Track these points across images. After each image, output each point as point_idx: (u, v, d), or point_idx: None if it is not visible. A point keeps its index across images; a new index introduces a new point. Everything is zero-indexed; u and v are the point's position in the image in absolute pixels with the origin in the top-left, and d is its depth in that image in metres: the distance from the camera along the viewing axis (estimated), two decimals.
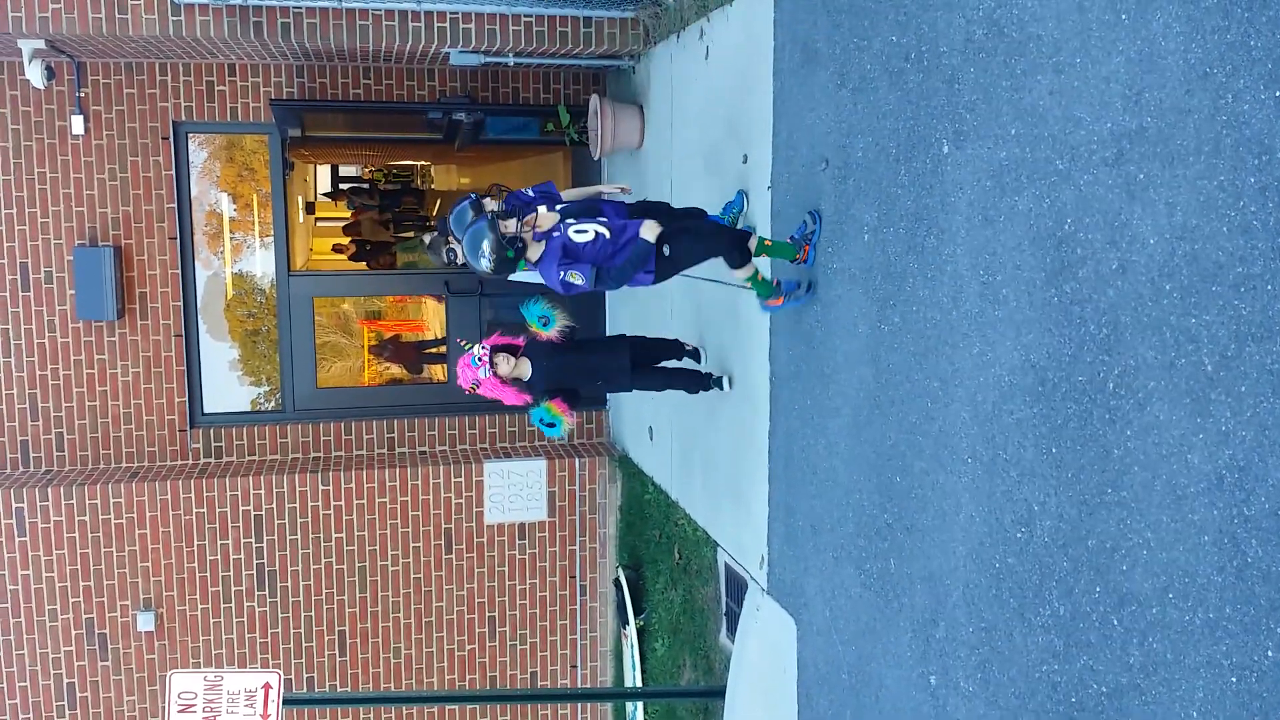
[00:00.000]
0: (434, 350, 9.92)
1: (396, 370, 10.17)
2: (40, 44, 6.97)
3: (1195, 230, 2.81)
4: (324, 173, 14.04)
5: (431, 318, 9.95)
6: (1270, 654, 2.63)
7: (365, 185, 13.24)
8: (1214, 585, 2.79)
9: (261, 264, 8.73)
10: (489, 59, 7.57)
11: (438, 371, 9.67)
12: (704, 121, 6.50)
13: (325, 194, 13.72)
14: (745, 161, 5.76)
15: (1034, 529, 3.48)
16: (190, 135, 8.33)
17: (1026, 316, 3.48)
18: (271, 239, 8.61)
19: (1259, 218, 2.62)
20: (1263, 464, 2.63)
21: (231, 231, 8.65)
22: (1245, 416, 2.68)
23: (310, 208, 12.95)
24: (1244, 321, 2.67)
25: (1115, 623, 3.14)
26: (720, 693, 6.14)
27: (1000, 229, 3.59)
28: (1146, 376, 2.99)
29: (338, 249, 12.18)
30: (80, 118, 7.90)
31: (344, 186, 13.60)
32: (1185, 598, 2.88)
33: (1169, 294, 2.90)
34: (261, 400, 8.89)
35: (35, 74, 7.15)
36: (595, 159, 8.05)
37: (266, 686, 6.11)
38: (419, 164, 13.61)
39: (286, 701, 6.02)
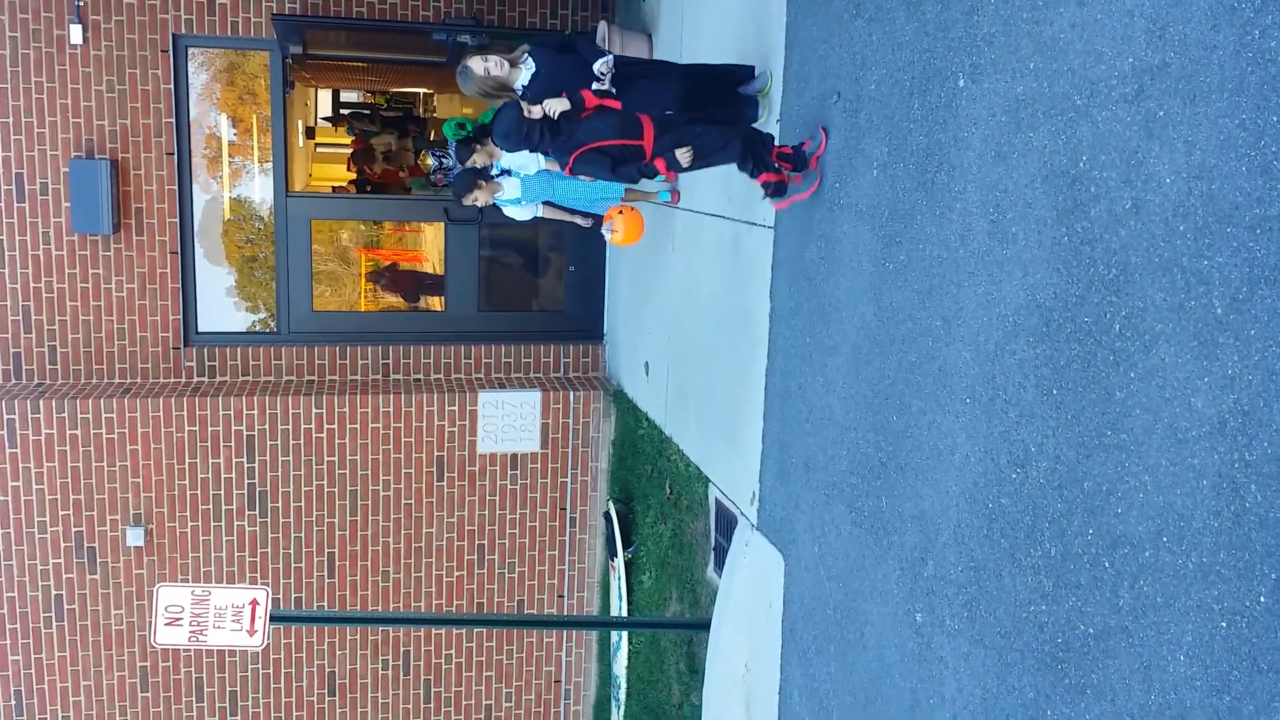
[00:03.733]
0: (431, 281, 9.85)
1: (392, 299, 10.11)
2: None
3: (1213, 170, 2.75)
4: (325, 98, 13.86)
5: (430, 248, 9.88)
6: (1263, 599, 2.62)
7: (366, 111, 13.07)
8: (1209, 530, 2.77)
9: (260, 190, 8.63)
10: None
11: (434, 302, 9.62)
12: (714, 51, 6.38)
13: (325, 118, 13.55)
14: (761, 91, 5.66)
15: (1029, 470, 3.47)
16: (190, 52, 8.18)
17: (1035, 255, 3.43)
18: (270, 165, 8.50)
19: None
20: (1268, 409, 2.60)
21: (231, 155, 8.54)
22: (1253, 360, 2.65)
23: (310, 133, 12.80)
24: (1257, 264, 2.63)
25: (1106, 565, 3.14)
26: (705, 625, 6.18)
27: (1013, 165, 3.53)
28: (1154, 319, 2.95)
29: (337, 190, 12.00)
30: (79, 27, 7.75)
31: (345, 112, 13.43)
32: (1179, 541, 2.87)
33: (1182, 234, 2.85)
34: (257, 327, 8.84)
35: None
36: None
37: (254, 603, 6.13)
38: (421, 91, 13.43)
39: (273, 619, 6.05)
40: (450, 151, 8.11)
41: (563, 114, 5.01)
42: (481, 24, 8.01)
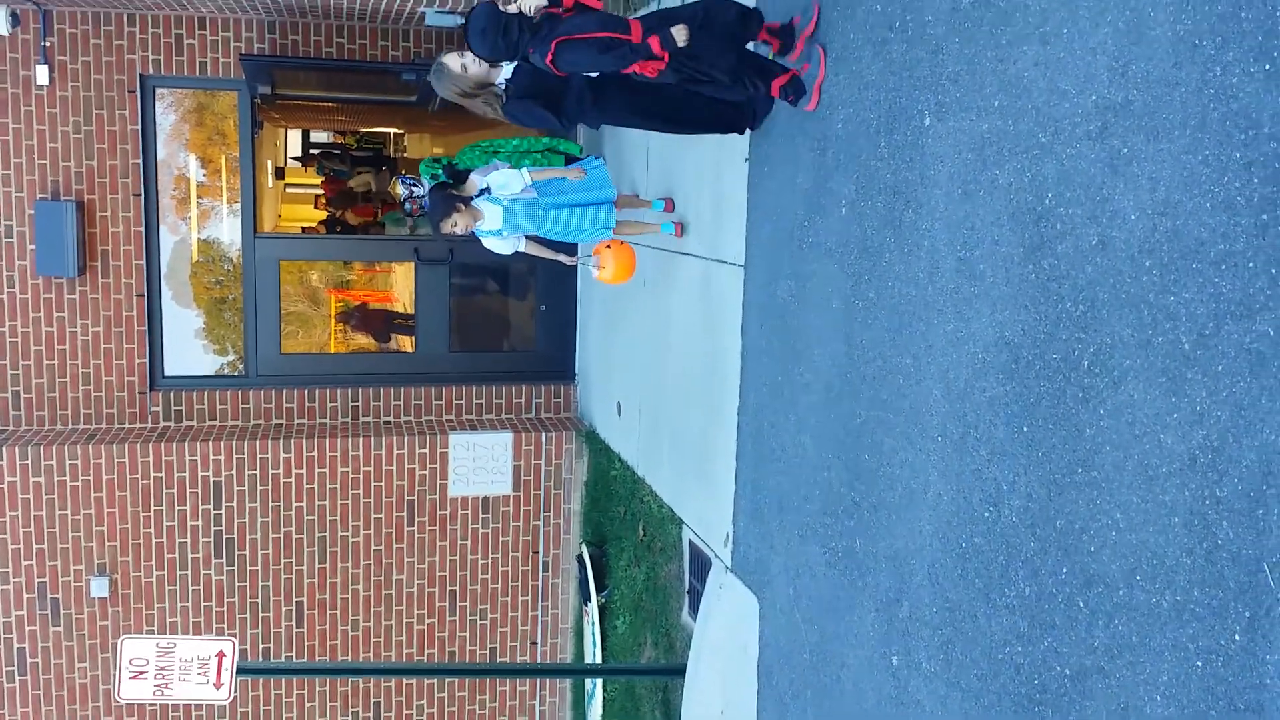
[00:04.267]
0: (402, 321, 9.79)
1: (363, 339, 10.04)
2: None
3: (1178, 206, 2.75)
4: (295, 138, 13.82)
5: (400, 288, 9.82)
6: (1237, 638, 2.59)
7: (336, 151, 13.03)
8: (1183, 567, 2.75)
9: (229, 231, 8.57)
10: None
11: (405, 342, 9.55)
12: None
13: (295, 159, 13.51)
14: None
15: (1002, 508, 3.43)
16: (158, 92, 8.14)
17: (1003, 293, 3.42)
18: (239, 206, 8.45)
19: (1243, 194, 2.57)
20: (1237, 445, 2.59)
21: (199, 197, 8.48)
22: (1221, 396, 2.63)
23: (280, 173, 12.74)
24: (1224, 299, 2.62)
25: (1081, 604, 3.10)
26: (680, 671, 6.10)
27: (979, 203, 3.53)
28: (1122, 355, 2.94)
29: (306, 231, 11.91)
30: (45, 68, 7.70)
31: (314, 151, 13.39)
32: (1153, 580, 2.84)
33: (1149, 270, 2.85)
34: (225, 370, 8.74)
35: (0, 21, 6.95)
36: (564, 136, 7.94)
37: (220, 654, 5.99)
38: (391, 131, 13.42)
39: (240, 670, 5.91)
40: (423, 181, 8.02)
41: (543, 12, 4.59)
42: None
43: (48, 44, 7.74)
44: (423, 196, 7.75)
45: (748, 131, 5.28)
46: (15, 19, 7.18)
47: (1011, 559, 3.39)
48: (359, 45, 8.30)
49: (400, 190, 7.45)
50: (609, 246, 6.13)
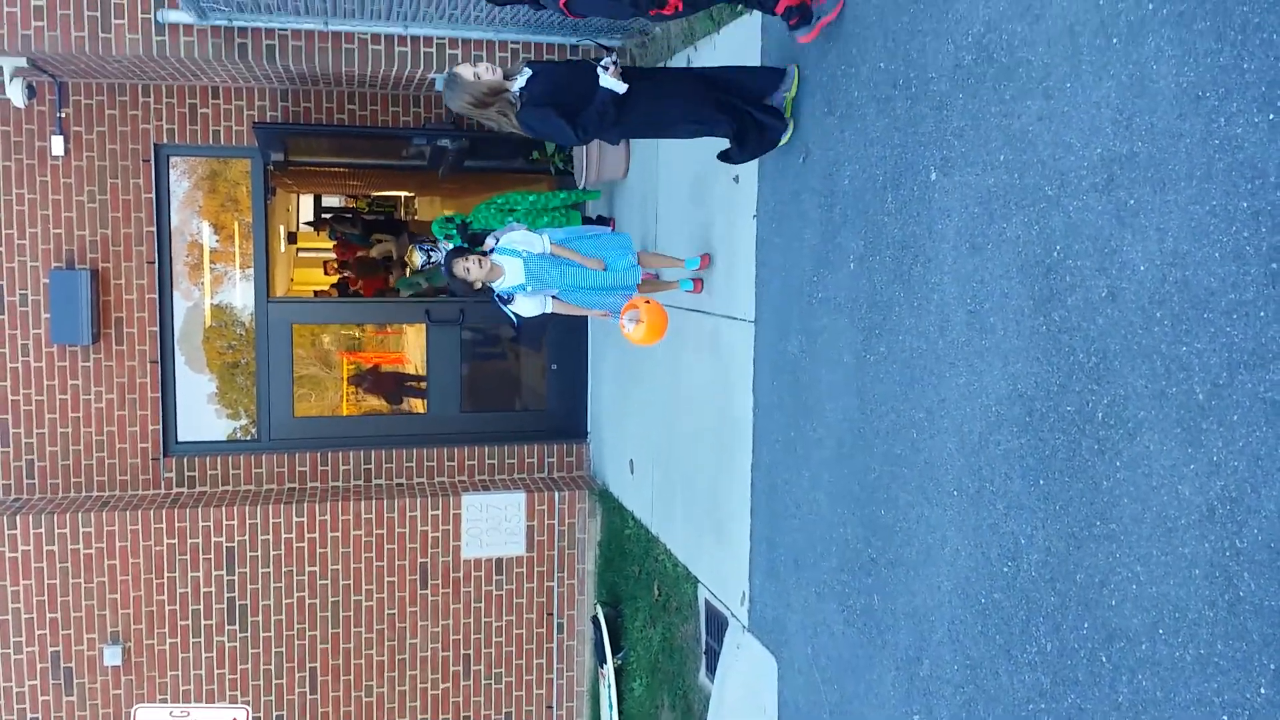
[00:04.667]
0: (414, 384, 9.82)
1: (375, 402, 10.06)
2: (22, 62, 6.90)
3: (1186, 256, 2.76)
4: (306, 202, 13.99)
5: (412, 350, 9.86)
6: (1263, 691, 2.54)
7: (348, 215, 13.17)
8: (1205, 620, 2.71)
9: (242, 296, 8.63)
10: None
11: (417, 404, 9.56)
12: (690, 151, 6.45)
13: (307, 223, 13.65)
14: (737, 181, 5.70)
15: (1021, 563, 3.40)
16: (171, 160, 8.26)
17: (1014, 345, 3.41)
18: (252, 270, 8.52)
19: (1252, 243, 2.57)
20: (1255, 495, 2.56)
21: (212, 262, 8.56)
22: (1237, 446, 2.61)
23: (292, 238, 12.87)
24: (1236, 349, 2.61)
25: (1104, 659, 3.05)
26: None
27: (988, 256, 3.53)
28: (1136, 406, 2.92)
29: (318, 295, 11.99)
30: (60, 138, 7.82)
31: (326, 216, 13.53)
32: (1176, 633, 2.80)
33: (1159, 321, 2.84)
34: (238, 434, 8.76)
35: (16, 93, 7.08)
36: (580, 188, 8.01)
37: None
38: (402, 194, 13.57)
39: None
40: (440, 247, 7.95)
41: None
42: (461, 129, 8.12)
43: (63, 115, 7.87)
44: (440, 263, 7.73)
45: (748, 160, 5.18)
46: (31, 91, 7.31)
47: (1032, 614, 3.35)
48: (370, 111, 8.41)
49: (418, 258, 7.40)
50: (647, 302, 5.83)
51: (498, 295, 6.09)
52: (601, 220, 8.14)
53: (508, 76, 4.80)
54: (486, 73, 4.73)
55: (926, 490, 3.90)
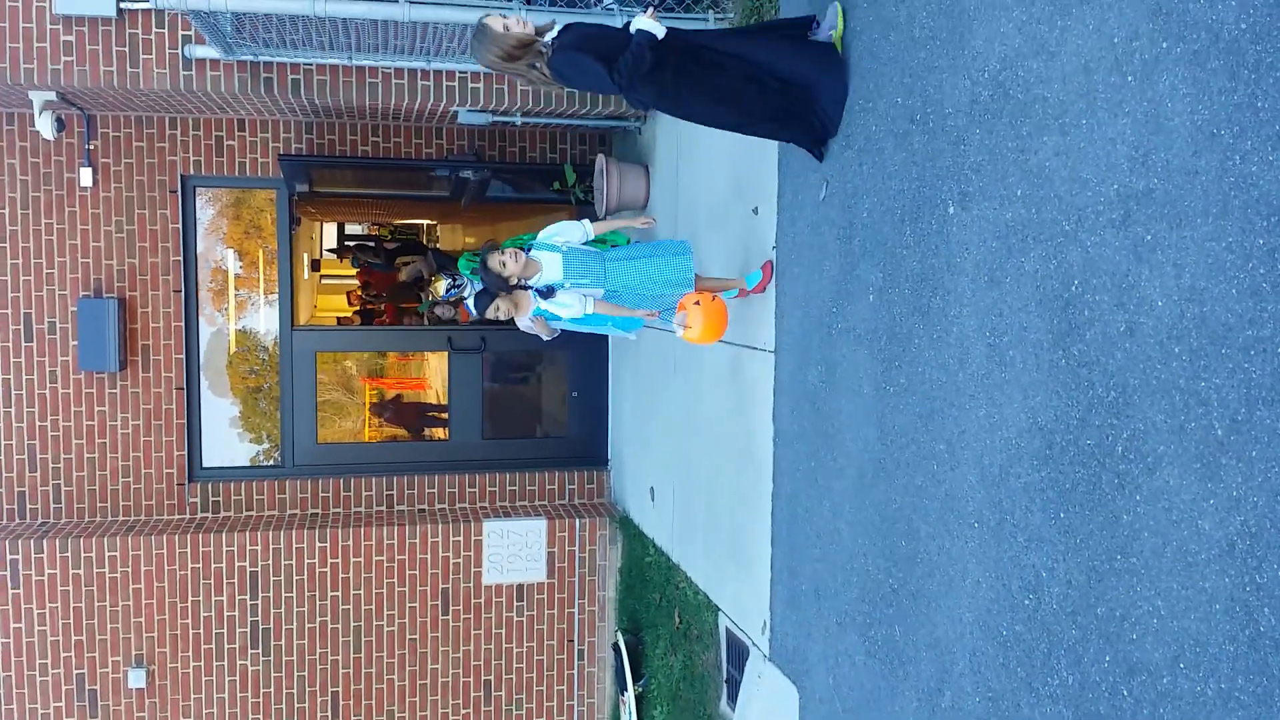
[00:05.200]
0: (434, 413, 9.88)
1: (396, 429, 10.12)
2: (51, 96, 7.03)
3: (1204, 292, 2.78)
4: (329, 230, 14.12)
5: (433, 375, 9.93)
6: None
7: (371, 243, 13.30)
8: (1226, 655, 2.71)
9: (265, 321, 8.73)
10: (497, 118, 7.63)
11: (438, 432, 9.62)
12: (709, 181, 6.52)
13: (330, 250, 13.78)
14: (756, 213, 5.74)
15: (1042, 596, 3.41)
16: (198, 190, 8.38)
17: (1033, 379, 3.43)
18: (276, 296, 8.63)
19: (1268, 280, 2.59)
20: (1275, 531, 2.57)
21: (236, 289, 8.66)
22: (1256, 482, 2.62)
23: (315, 265, 12.99)
24: (1254, 385, 2.63)
25: (1125, 693, 3.06)
26: None
27: (1006, 290, 3.56)
28: (1156, 440, 2.94)
29: (342, 322, 12.10)
30: (89, 170, 7.95)
31: (349, 244, 13.66)
32: (1196, 667, 2.80)
33: (1178, 356, 2.86)
34: (261, 458, 8.83)
35: (45, 126, 7.21)
36: (601, 218, 8.08)
37: None
38: (424, 222, 13.68)
39: None
40: (465, 278, 7.84)
41: None
42: (483, 160, 8.21)
43: (91, 147, 8.00)
44: (464, 297, 7.57)
45: (824, 147, 4.92)
46: (60, 124, 7.44)
47: (1054, 647, 3.36)
48: (393, 143, 8.52)
49: (443, 284, 7.34)
50: (697, 302, 5.36)
51: (535, 291, 5.71)
52: None
53: (539, 32, 4.58)
54: (517, 25, 4.50)
55: (947, 522, 3.92)
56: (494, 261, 5.63)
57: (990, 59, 3.62)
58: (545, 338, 6.15)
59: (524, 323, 5.97)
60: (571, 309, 5.68)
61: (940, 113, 3.91)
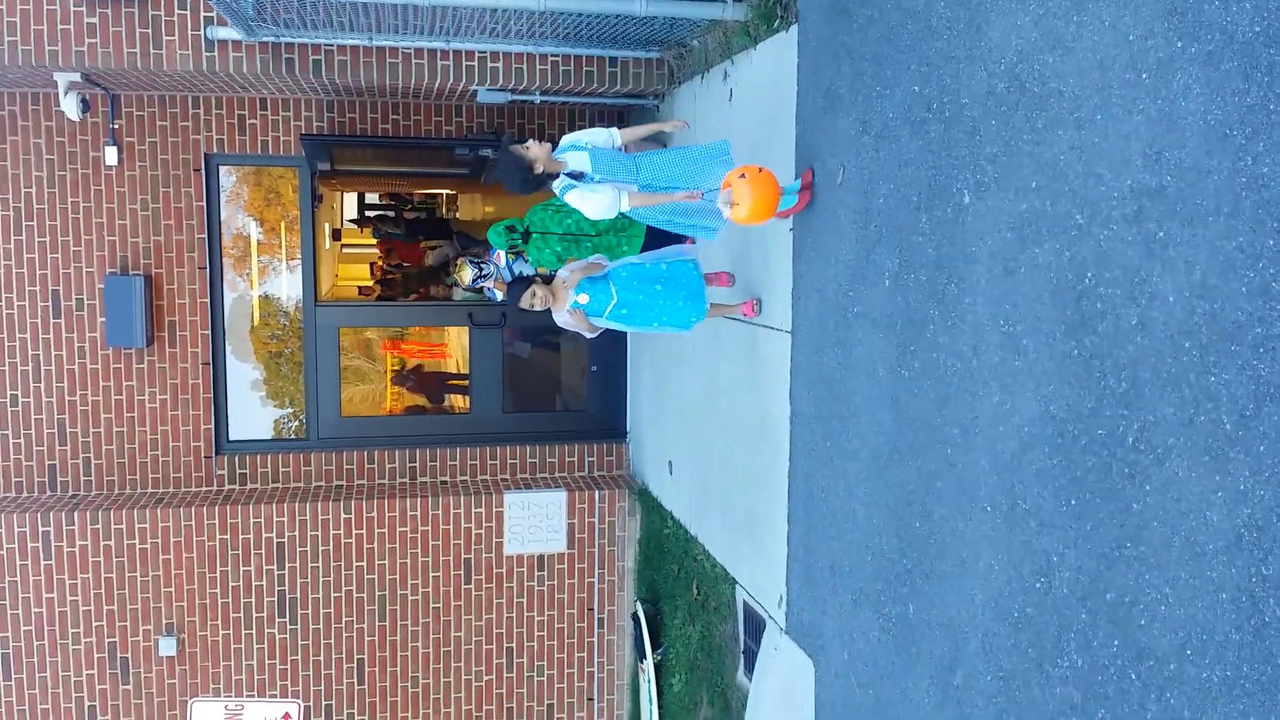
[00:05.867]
0: (455, 381, 9.99)
1: (418, 398, 10.24)
2: (76, 77, 7.11)
3: (1214, 290, 2.83)
4: (350, 199, 14.17)
5: (453, 343, 10.03)
6: None
7: (390, 214, 13.35)
8: (1232, 643, 2.79)
9: (287, 286, 8.83)
10: (516, 96, 7.66)
11: (459, 401, 9.74)
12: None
13: (352, 221, 13.85)
14: None
15: (1053, 580, 3.49)
16: (221, 168, 8.46)
17: (1046, 368, 3.50)
18: (298, 262, 8.72)
19: (1278, 280, 2.64)
20: None
21: (258, 255, 8.75)
22: (1264, 476, 2.69)
23: (336, 234, 13.07)
24: (1263, 382, 2.69)
25: (1133, 677, 3.15)
26: None
27: (1020, 280, 3.62)
28: (1166, 433, 3.00)
29: (363, 292, 12.17)
30: (114, 149, 8.04)
31: (370, 214, 13.72)
32: (1203, 655, 2.89)
33: (1188, 351, 2.92)
34: (285, 421, 8.96)
35: (70, 106, 7.29)
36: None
37: (287, 716, 6.16)
38: (444, 192, 13.71)
39: None
40: (492, 261, 7.52)
41: None
42: (502, 137, 8.25)
43: (116, 126, 8.08)
44: (492, 276, 7.30)
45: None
46: (86, 105, 7.52)
47: (1064, 630, 3.44)
48: (414, 121, 8.57)
49: (468, 274, 7.10)
50: (743, 175, 4.81)
51: (565, 174, 5.20)
52: None
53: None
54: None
55: (961, 505, 4.00)
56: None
57: (1007, 51, 3.65)
58: (587, 335, 6.00)
59: (562, 317, 5.84)
60: (602, 207, 5.20)
61: (957, 102, 3.95)
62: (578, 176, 5.10)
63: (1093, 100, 3.26)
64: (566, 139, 5.36)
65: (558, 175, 5.16)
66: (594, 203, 5.14)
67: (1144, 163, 3.07)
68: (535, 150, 5.06)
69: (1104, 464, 3.25)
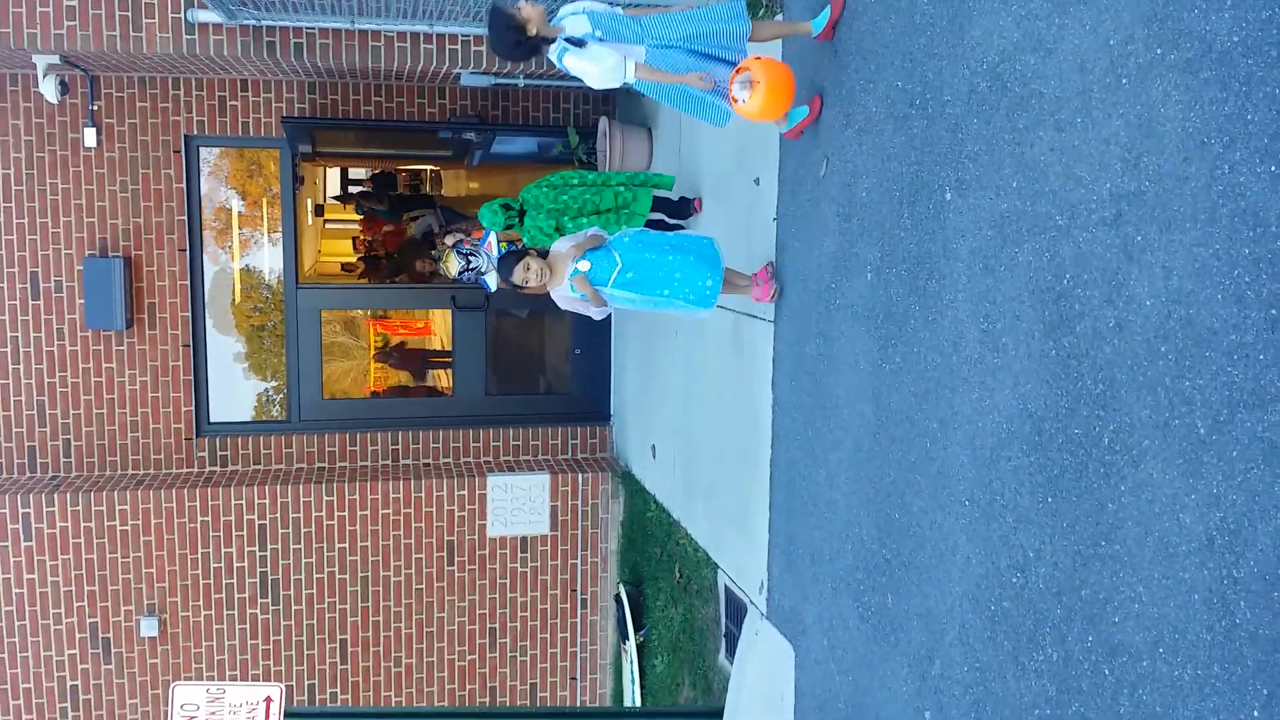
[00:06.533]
0: (438, 358, 9.99)
1: (401, 375, 10.24)
2: (54, 59, 7.04)
3: (1190, 295, 2.87)
4: (333, 175, 14.08)
5: (437, 322, 10.03)
6: (1256, 714, 2.68)
7: (373, 191, 13.28)
8: (1203, 643, 2.85)
9: (269, 260, 8.78)
10: (499, 80, 7.63)
11: (442, 377, 9.75)
12: (712, 149, 6.55)
13: (335, 197, 13.77)
14: (758, 184, 5.80)
15: (1029, 575, 3.54)
16: (201, 150, 8.40)
17: (1025, 366, 3.54)
18: (279, 236, 8.67)
19: (1253, 288, 2.68)
20: (1252, 529, 2.69)
21: (240, 228, 8.69)
22: (1236, 481, 2.74)
23: (319, 210, 13.00)
24: (1236, 388, 2.73)
25: (1107, 672, 3.20)
26: (718, 714, 6.21)
27: (1000, 278, 3.65)
28: (1141, 435, 3.05)
29: (346, 268, 12.13)
30: (93, 130, 7.97)
31: (353, 190, 13.64)
32: (1175, 653, 2.94)
33: (1164, 355, 2.96)
34: (267, 397, 8.94)
35: (49, 88, 7.22)
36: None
37: (268, 700, 6.17)
38: (428, 168, 13.65)
39: (288, 715, 6.08)
40: (482, 250, 7.27)
41: None
42: (486, 121, 8.23)
43: (95, 108, 8.01)
44: (480, 269, 6.96)
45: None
46: (64, 87, 7.45)
47: (1039, 625, 3.50)
48: (396, 104, 8.52)
49: (455, 263, 6.91)
50: (758, 59, 4.47)
51: (564, 38, 4.70)
52: (683, 200, 6.91)
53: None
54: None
55: (940, 498, 4.05)
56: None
57: (989, 51, 3.67)
58: (596, 316, 5.41)
59: (561, 293, 5.24)
60: (605, 76, 4.70)
61: (939, 99, 3.97)
62: (578, 44, 4.63)
63: (1073, 103, 3.28)
64: (564, 9, 4.84)
65: (554, 40, 4.68)
66: (596, 68, 4.65)
67: (1123, 167, 3.09)
68: (527, 10, 4.52)
69: (1080, 463, 3.29)
